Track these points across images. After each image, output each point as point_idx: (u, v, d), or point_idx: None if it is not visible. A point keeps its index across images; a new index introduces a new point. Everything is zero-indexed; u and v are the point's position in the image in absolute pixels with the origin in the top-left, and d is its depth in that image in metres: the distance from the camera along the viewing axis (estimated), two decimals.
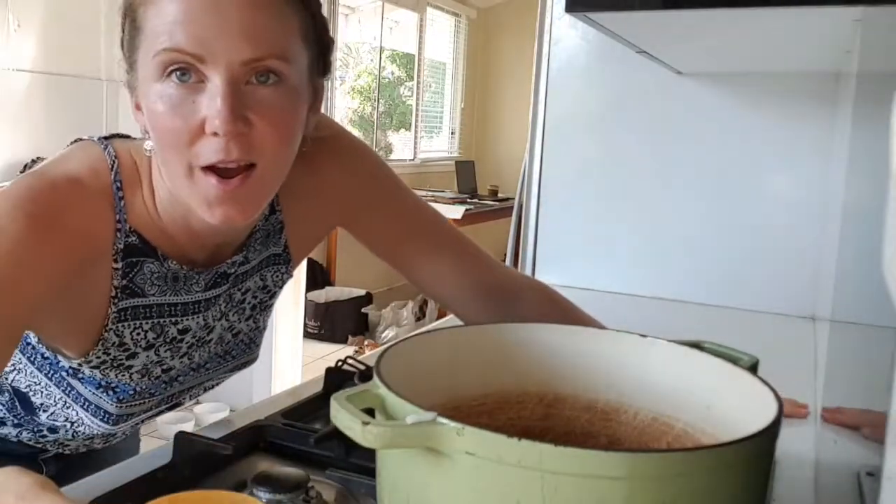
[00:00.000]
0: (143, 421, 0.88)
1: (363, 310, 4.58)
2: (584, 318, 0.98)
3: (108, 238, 0.73)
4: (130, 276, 0.76)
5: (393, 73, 5.74)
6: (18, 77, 2.66)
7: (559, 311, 0.99)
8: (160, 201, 0.76)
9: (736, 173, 1.56)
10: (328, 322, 4.42)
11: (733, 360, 0.61)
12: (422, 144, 5.85)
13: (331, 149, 0.88)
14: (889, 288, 0.36)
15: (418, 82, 5.76)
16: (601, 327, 0.94)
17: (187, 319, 0.82)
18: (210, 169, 0.67)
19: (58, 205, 0.68)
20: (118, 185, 0.74)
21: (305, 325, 4.04)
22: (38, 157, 0.78)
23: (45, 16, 2.73)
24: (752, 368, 0.61)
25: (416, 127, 5.76)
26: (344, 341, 4.37)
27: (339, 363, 0.97)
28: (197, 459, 0.74)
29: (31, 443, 0.89)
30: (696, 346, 0.64)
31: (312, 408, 0.91)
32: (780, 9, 0.78)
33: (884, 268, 0.37)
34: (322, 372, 0.97)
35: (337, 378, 0.95)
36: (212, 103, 0.64)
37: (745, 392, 0.58)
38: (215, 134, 0.65)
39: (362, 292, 4.63)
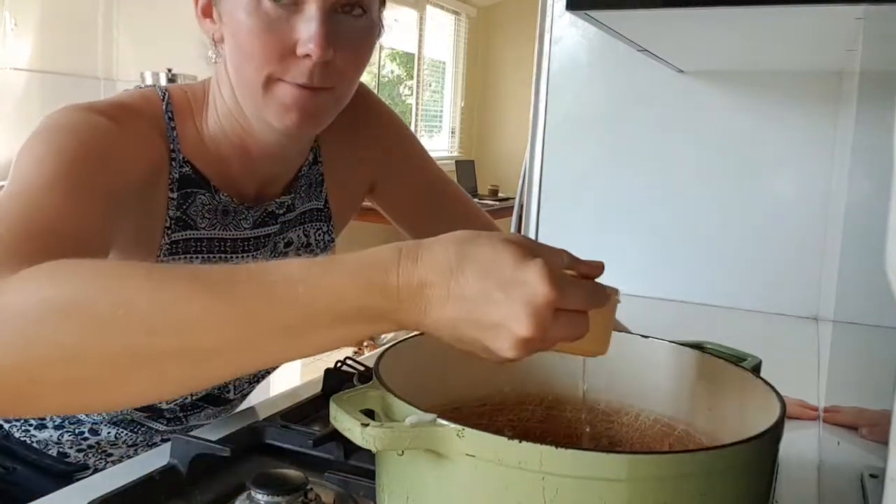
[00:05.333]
0: (184, 416, 0.87)
1: None
2: None
3: (164, 166, 0.76)
4: (184, 207, 0.78)
5: (392, 72, 5.73)
6: (16, 76, 2.65)
7: None
8: (216, 125, 0.78)
9: (738, 172, 1.55)
10: None
11: (736, 361, 0.61)
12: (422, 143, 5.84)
13: (367, 104, 0.93)
14: (892, 288, 0.36)
15: (418, 81, 5.75)
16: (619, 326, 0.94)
17: (236, 258, 0.83)
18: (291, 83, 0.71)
19: (117, 120, 0.70)
20: (170, 115, 0.77)
21: None
22: None
23: (43, 14, 2.73)
24: (755, 369, 0.61)
25: (415, 126, 5.75)
26: None
27: (339, 364, 0.96)
28: (195, 461, 0.73)
29: (72, 450, 0.87)
30: (698, 346, 0.64)
31: (311, 409, 0.90)
32: (782, 7, 0.77)
33: (887, 268, 0.37)
34: (321, 373, 0.96)
35: (336, 379, 0.94)
36: (307, 28, 0.68)
37: (747, 393, 0.57)
38: (307, 56, 0.68)
39: None
